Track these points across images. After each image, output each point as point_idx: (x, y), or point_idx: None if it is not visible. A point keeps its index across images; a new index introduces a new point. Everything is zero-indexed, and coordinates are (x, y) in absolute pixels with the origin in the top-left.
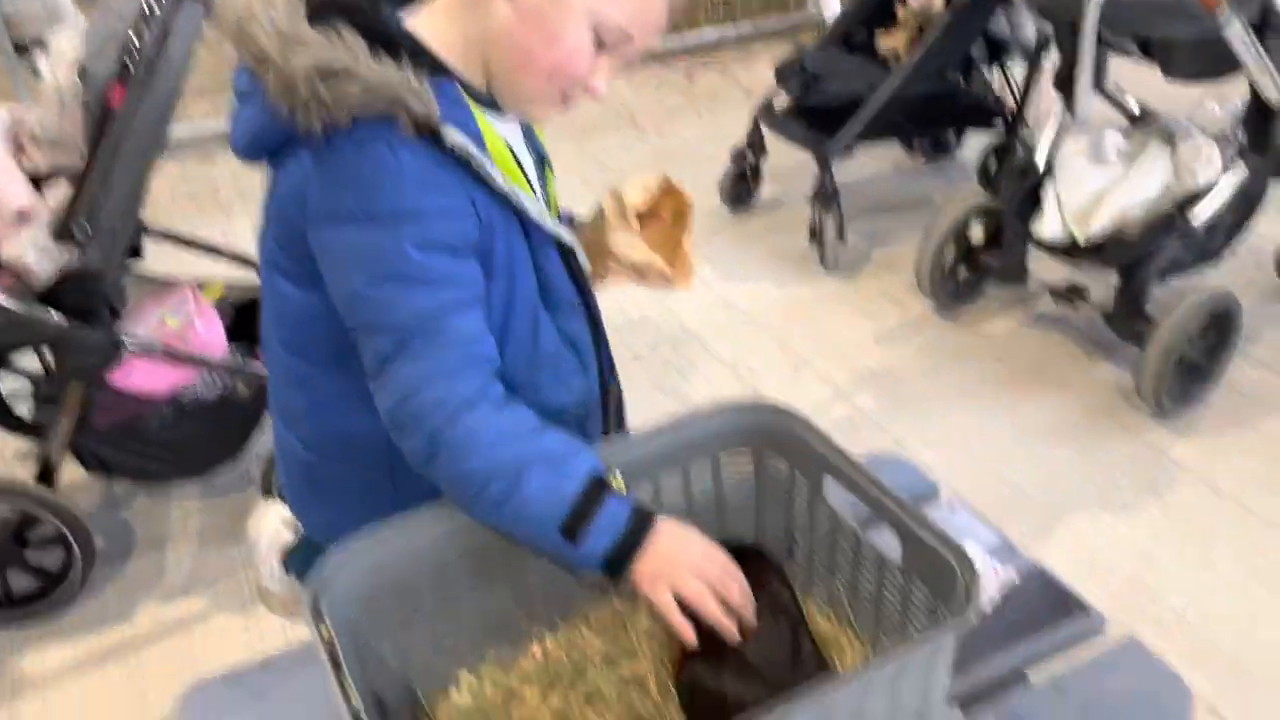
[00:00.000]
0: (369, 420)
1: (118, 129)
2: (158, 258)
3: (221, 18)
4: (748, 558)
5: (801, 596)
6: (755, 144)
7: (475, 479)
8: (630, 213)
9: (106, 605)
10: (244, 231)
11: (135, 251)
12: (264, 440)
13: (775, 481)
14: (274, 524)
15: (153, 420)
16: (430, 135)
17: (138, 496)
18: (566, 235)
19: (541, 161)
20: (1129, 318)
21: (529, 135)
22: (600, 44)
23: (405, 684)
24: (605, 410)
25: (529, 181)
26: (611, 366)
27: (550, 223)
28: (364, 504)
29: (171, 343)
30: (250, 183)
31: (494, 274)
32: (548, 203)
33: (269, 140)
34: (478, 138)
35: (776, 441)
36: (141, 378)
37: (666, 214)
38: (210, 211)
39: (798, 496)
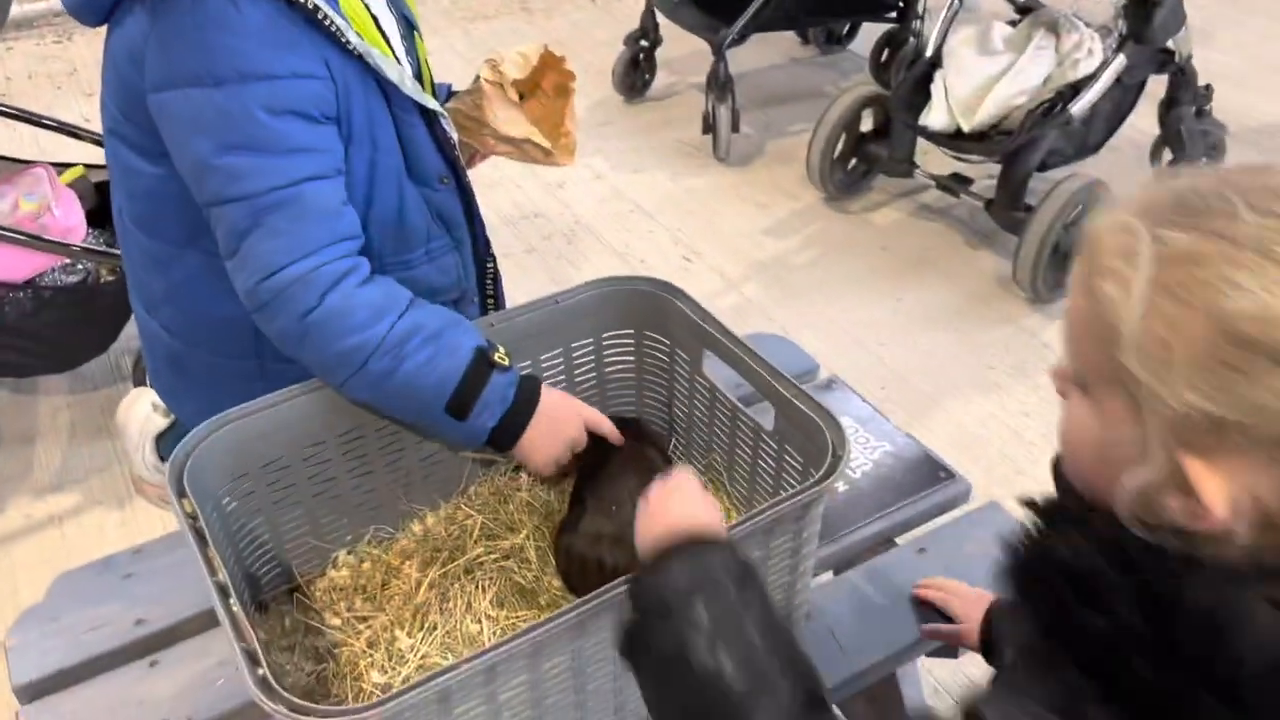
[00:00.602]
0: (233, 302)
1: None
2: (15, 140)
3: None
4: (627, 427)
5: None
6: (649, 30)
7: (350, 358)
8: (508, 85)
9: None
10: None
11: None
12: (133, 331)
13: (655, 359)
14: (144, 410)
15: (8, 308)
16: None
17: (0, 391)
18: (430, 101)
19: (409, 26)
20: (1008, 207)
21: None
22: None
23: (282, 563)
24: (482, 291)
25: (389, 45)
26: (487, 244)
27: (411, 86)
28: (232, 392)
29: (27, 226)
30: None
31: (353, 140)
32: (418, 71)
33: (101, 2)
34: None
35: (657, 318)
36: None
37: (549, 86)
38: (69, 93)
39: (677, 372)
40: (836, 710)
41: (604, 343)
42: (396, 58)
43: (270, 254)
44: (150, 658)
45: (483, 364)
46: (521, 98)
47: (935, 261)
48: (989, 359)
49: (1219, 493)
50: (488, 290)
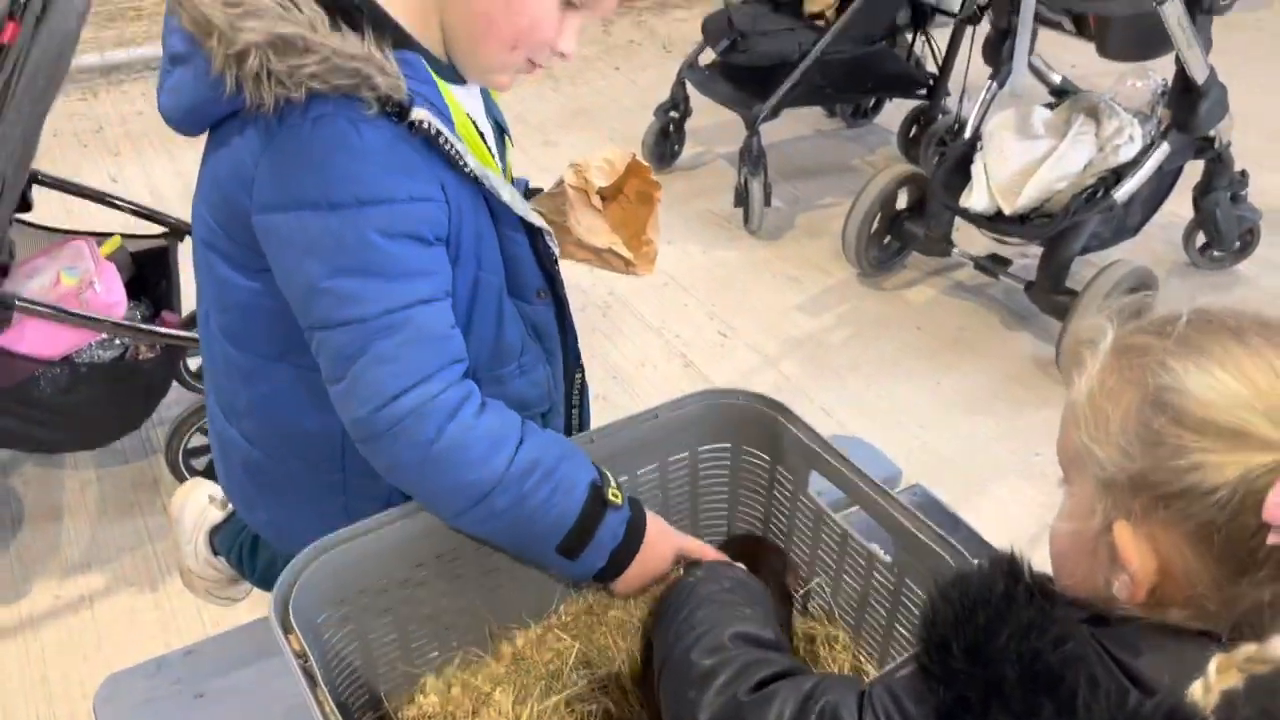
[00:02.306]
0: (322, 417)
1: (9, 69)
2: (44, 205)
3: None
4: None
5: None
6: (679, 101)
7: (468, 494)
8: (593, 191)
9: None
10: (133, 176)
11: (25, 202)
12: (167, 406)
13: (753, 474)
14: (201, 502)
15: (45, 384)
16: (395, 113)
17: (26, 464)
18: (536, 219)
19: (501, 131)
20: (1051, 290)
21: (488, 104)
22: (570, 3)
23: (371, 690)
24: (568, 403)
25: (494, 159)
26: (578, 356)
27: (521, 205)
28: (312, 504)
29: (68, 302)
30: (140, 125)
31: (459, 261)
32: (506, 176)
33: (209, 114)
34: (446, 116)
35: (757, 433)
36: (33, 339)
37: (631, 192)
38: (96, 152)
39: (778, 490)
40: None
41: (700, 456)
42: (499, 169)
43: (381, 381)
44: None
45: (597, 503)
46: (605, 198)
47: (972, 342)
48: (1033, 444)
49: (1136, 553)
50: (573, 402)
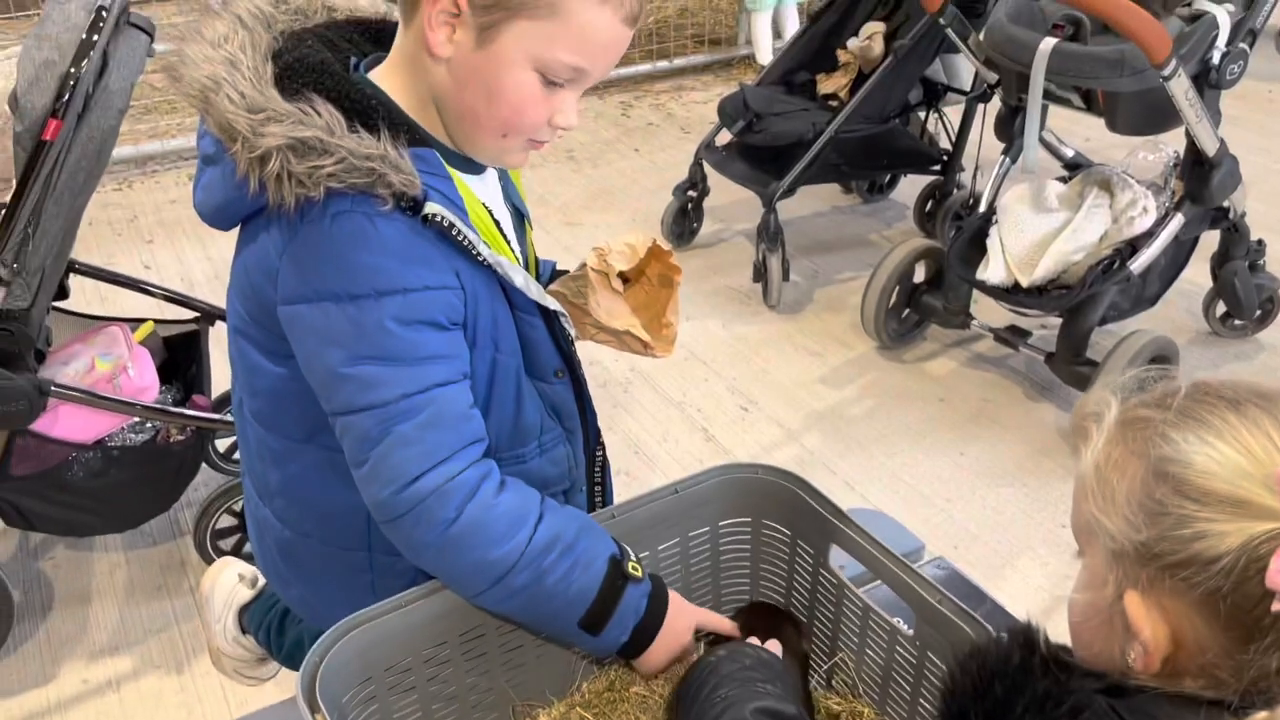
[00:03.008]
0: (347, 496)
1: (51, 163)
2: (78, 291)
3: (184, 84)
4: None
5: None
6: (697, 181)
7: (489, 572)
8: (613, 275)
9: (27, 665)
10: (166, 262)
11: (61, 290)
12: (195, 488)
13: (773, 548)
14: (231, 580)
15: (78, 469)
16: (410, 208)
17: (57, 546)
18: (552, 302)
19: (520, 217)
20: (1070, 361)
21: (506, 189)
22: (552, 84)
23: None
24: (590, 480)
25: (510, 245)
26: (597, 433)
27: (535, 290)
28: (340, 581)
29: (101, 387)
30: (173, 213)
31: (477, 344)
32: (526, 259)
33: (238, 211)
34: (460, 208)
35: (776, 507)
36: (67, 424)
37: (652, 275)
38: (130, 240)
39: (799, 564)
40: None
41: (720, 530)
42: (515, 255)
43: (403, 463)
44: None
45: (617, 578)
46: (627, 280)
47: (995, 414)
48: (1059, 516)
49: (1147, 622)
50: (595, 479)
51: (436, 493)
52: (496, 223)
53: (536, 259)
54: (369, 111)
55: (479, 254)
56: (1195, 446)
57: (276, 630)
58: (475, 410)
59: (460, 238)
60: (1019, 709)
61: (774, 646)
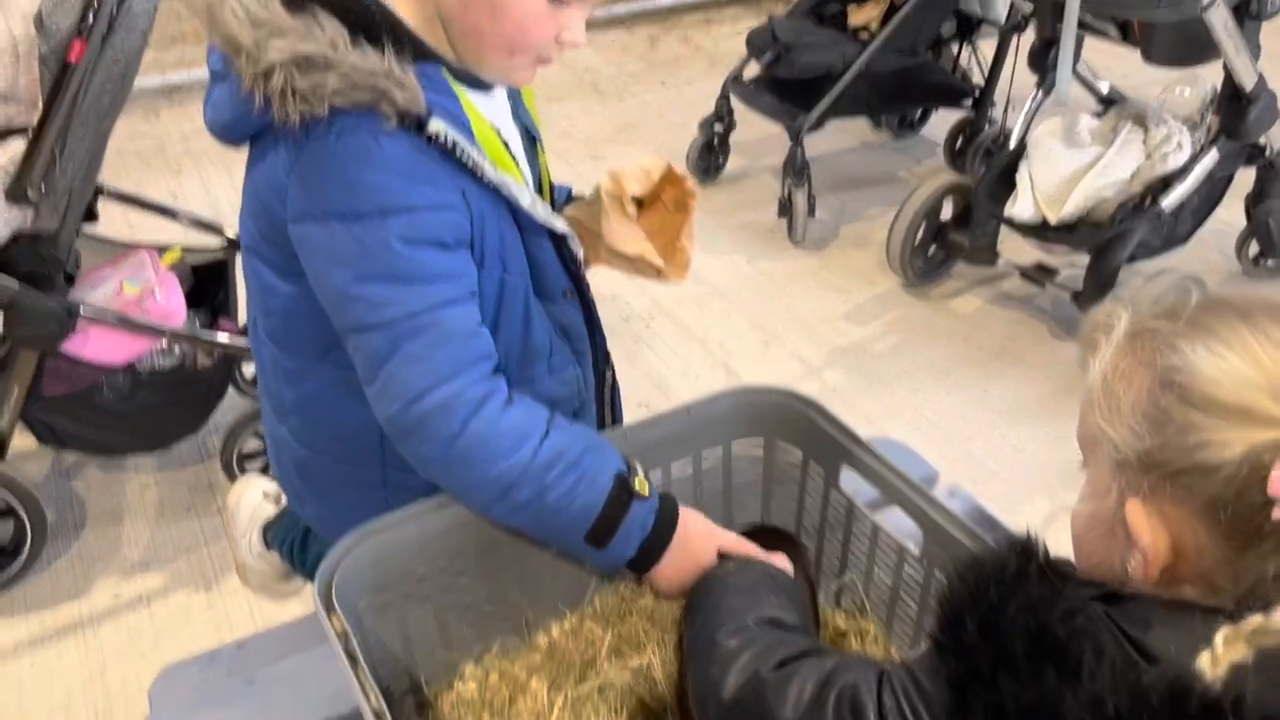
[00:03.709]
0: (360, 414)
1: (76, 85)
2: (107, 218)
3: None
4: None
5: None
6: (724, 114)
7: (494, 485)
8: (628, 200)
9: (60, 581)
10: (194, 191)
11: (90, 213)
12: (223, 412)
13: (785, 469)
14: (255, 497)
15: (107, 390)
16: (414, 126)
17: (89, 467)
18: (560, 224)
19: (532, 139)
20: (1097, 299)
21: (517, 109)
22: (558, 0)
23: (411, 675)
24: (600, 401)
25: (517, 165)
26: (606, 355)
27: (542, 211)
28: (355, 500)
29: (129, 310)
30: (200, 143)
31: (484, 264)
32: (539, 181)
33: (245, 128)
34: (465, 126)
35: (789, 428)
36: (97, 346)
37: (667, 200)
38: (158, 170)
39: (810, 485)
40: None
41: (733, 452)
42: (524, 176)
43: (411, 380)
44: None
45: (623, 493)
46: (641, 204)
47: (1019, 352)
48: (1080, 455)
49: (1147, 530)
50: (605, 399)
51: (442, 408)
52: (505, 143)
53: (552, 183)
54: (373, 27)
55: (484, 174)
56: (1203, 356)
57: (299, 546)
58: (483, 329)
59: (464, 157)
60: (1012, 612)
61: (782, 560)
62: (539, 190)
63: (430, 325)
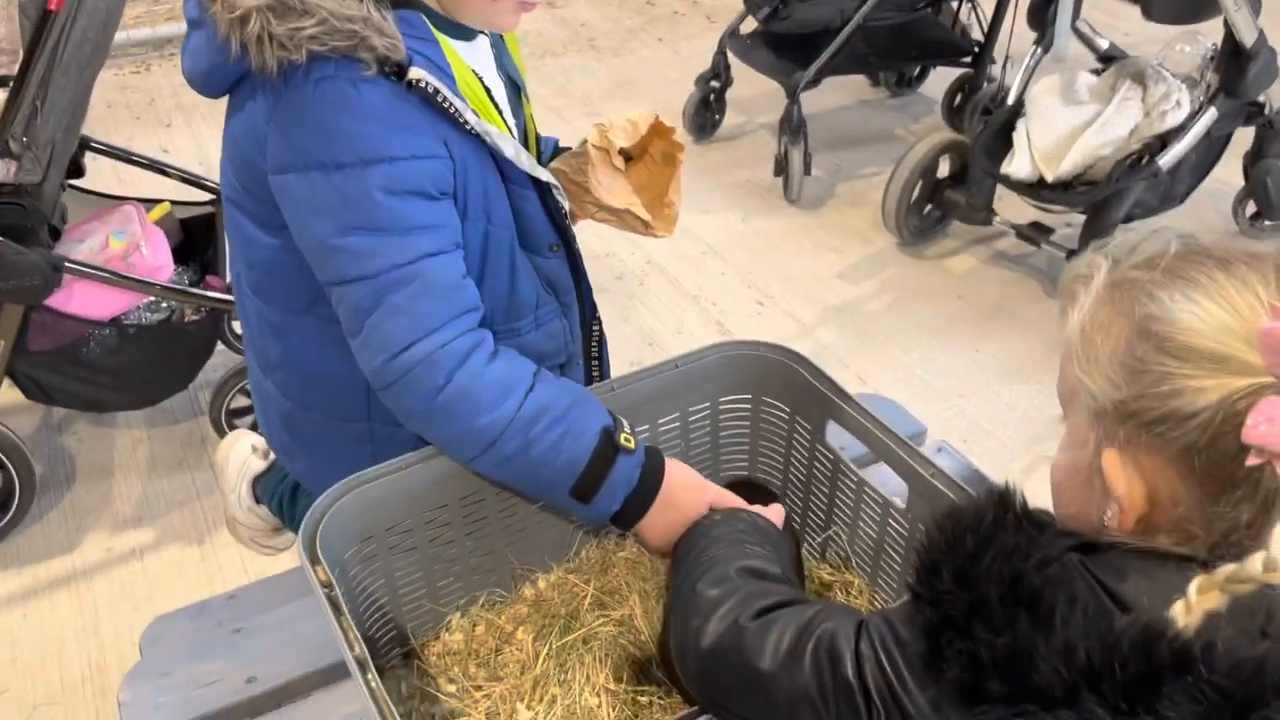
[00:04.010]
0: (346, 367)
1: (57, 34)
2: (95, 173)
3: None
4: (747, 491)
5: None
6: (720, 71)
7: (478, 439)
8: (614, 152)
9: (53, 534)
10: (184, 145)
11: (76, 168)
12: (212, 368)
13: (772, 425)
14: (244, 451)
15: (94, 345)
16: (394, 73)
17: (80, 422)
18: (544, 173)
19: (516, 89)
20: None
21: (501, 59)
22: None
23: (397, 626)
24: (587, 355)
25: (502, 115)
26: (593, 308)
27: (526, 161)
28: (342, 454)
29: (115, 265)
30: (190, 97)
31: (468, 215)
32: (524, 131)
33: (223, 77)
34: (447, 73)
35: (777, 384)
36: (82, 300)
37: (655, 154)
38: (148, 124)
39: (796, 440)
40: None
41: (720, 407)
42: (508, 126)
43: (394, 332)
44: (264, 718)
45: (608, 448)
46: (630, 159)
47: (1013, 311)
48: None
49: (1123, 479)
50: (593, 353)
51: (426, 361)
52: (488, 90)
53: (538, 135)
54: None
55: (466, 122)
56: (1180, 304)
57: (288, 501)
58: (468, 280)
59: (446, 105)
60: (987, 561)
61: (775, 513)
62: (524, 142)
63: (414, 277)
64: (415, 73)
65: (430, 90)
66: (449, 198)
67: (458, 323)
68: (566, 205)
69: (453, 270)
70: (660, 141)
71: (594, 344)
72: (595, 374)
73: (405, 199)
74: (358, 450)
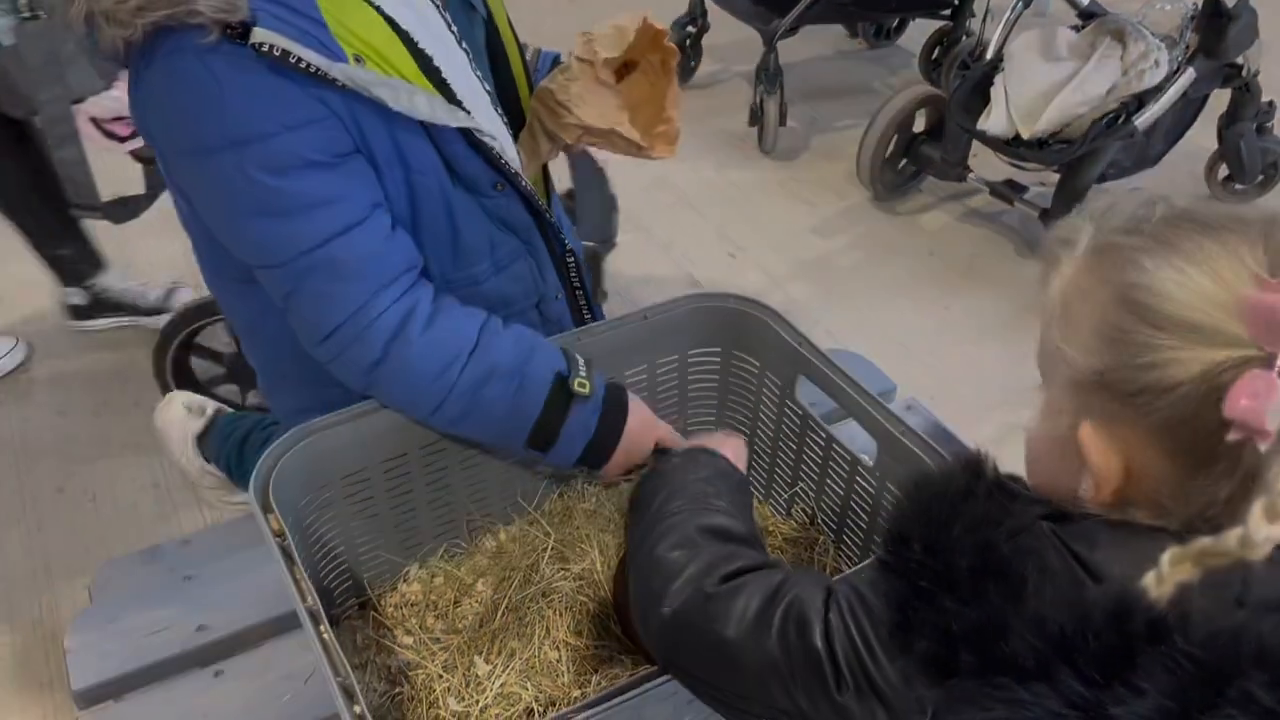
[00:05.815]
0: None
1: None
2: None
3: None
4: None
5: (764, 492)
6: (697, 16)
7: (424, 402)
8: (599, 65)
9: (2, 476)
10: None
11: None
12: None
13: (741, 379)
14: (179, 413)
15: None
16: (241, 35)
17: (31, 361)
18: (457, 118)
19: (469, 6)
20: (1066, 217)
21: None
22: None
23: (354, 576)
24: (568, 286)
25: (420, 50)
26: (562, 241)
27: (426, 107)
28: (323, 395)
29: None
30: None
31: (381, 166)
32: (494, 53)
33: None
34: (317, 20)
35: (747, 338)
36: None
37: (654, 61)
38: None
39: (765, 395)
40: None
41: (689, 359)
42: (430, 61)
43: (318, 318)
44: (213, 667)
45: (561, 397)
46: (628, 68)
47: (984, 269)
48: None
49: (1099, 452)
50: (574, 284)
51: (357, 339)
52: (395, 27)
53: (525, 50)
54: None
55: (335, 80)
56: (1164, 272)
57: (236, 461)
58: (396, 238)
59: (304, 65)
60: (957, 530)
61: (739, 446)
62: (493, 64)
63: (325, 261)
64: (259, 34)
65: (277, 54)
66: (351, 157)
67: (385, 294)
68: (497, 144)
69: (370, 240)
70: (656, 50)
71: (573, 275)
72: (582, 303)
73: (293, 176)
74: (334, 392)
